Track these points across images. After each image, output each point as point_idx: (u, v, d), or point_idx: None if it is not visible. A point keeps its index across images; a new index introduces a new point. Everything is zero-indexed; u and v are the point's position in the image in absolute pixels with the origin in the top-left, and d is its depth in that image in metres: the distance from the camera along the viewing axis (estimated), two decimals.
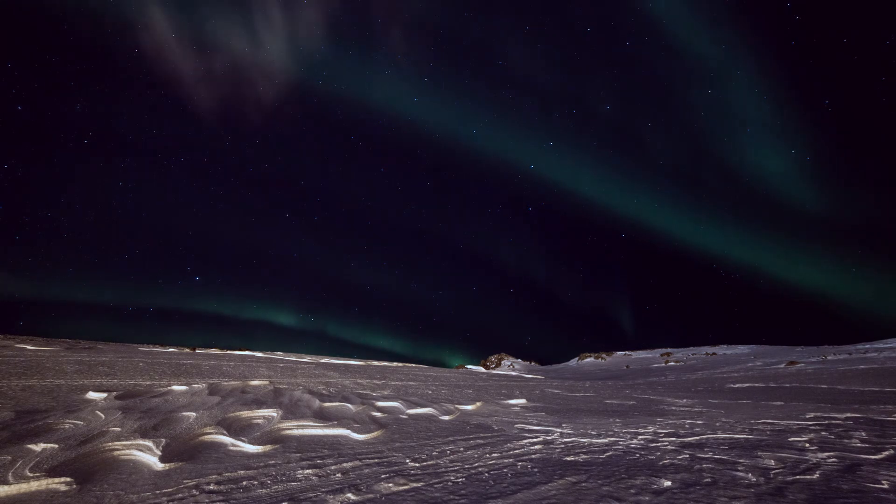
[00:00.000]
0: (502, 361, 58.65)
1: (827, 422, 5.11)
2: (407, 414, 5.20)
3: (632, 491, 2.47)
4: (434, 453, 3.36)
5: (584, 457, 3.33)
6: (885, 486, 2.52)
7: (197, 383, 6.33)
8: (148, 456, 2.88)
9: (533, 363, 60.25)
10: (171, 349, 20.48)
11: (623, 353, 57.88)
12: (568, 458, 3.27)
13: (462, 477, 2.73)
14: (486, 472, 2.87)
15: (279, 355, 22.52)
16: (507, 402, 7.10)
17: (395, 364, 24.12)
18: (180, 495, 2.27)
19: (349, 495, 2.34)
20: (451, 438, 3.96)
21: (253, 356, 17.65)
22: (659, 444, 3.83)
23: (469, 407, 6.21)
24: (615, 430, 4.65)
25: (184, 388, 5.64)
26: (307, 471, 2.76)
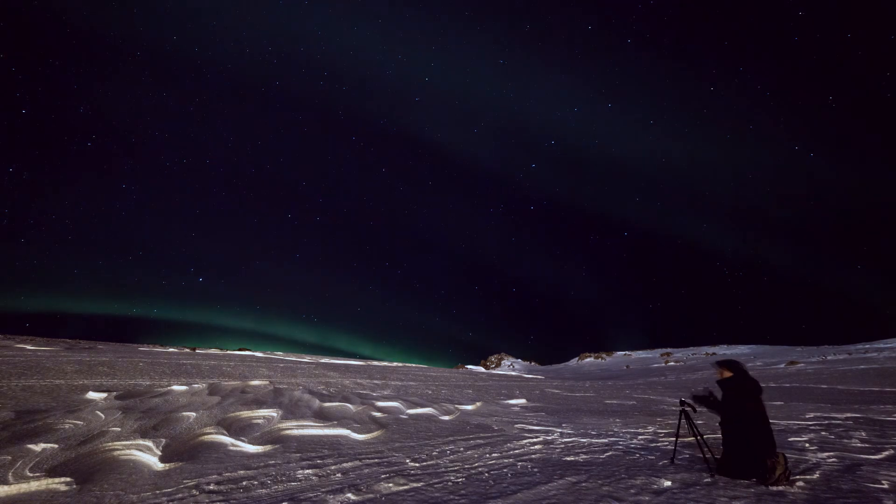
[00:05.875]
0: (502, 361, 58.64)
1: (827, 422, 5.11)
2: (407, 414, 5.20)
3: (632, 491, 2.48)
4: (434, 453, 3.36)
5: (584, 457, 3.33)
6: (885, 486, 2.52)
7: (197, 383, 6.32)
8: (148, 456, 2.88)
9: (533, 363, 60.26)
10: (171, 349, 20.48)
11: (623, 353, 57.91)
12: (568, 458, 3.28)
13: (462, 477, 2.73)
14: (486, 472, 2.87)
15: (279, 355, 22.50)
16: (507, 402, 7.10)
17: (395, 364, 24.11)
18: (180, 495, 2.27)
19: (349, 495, 2.34)
20: (451, 438, 3.96)
21: (253, 356, 17.64)
22: (659, 444, 3.83)
23: (469, 407, 6.21)
24: (615, 430, 4.65)
25: (184, 388, 5.63)
26: (307, 471, 2.76)
